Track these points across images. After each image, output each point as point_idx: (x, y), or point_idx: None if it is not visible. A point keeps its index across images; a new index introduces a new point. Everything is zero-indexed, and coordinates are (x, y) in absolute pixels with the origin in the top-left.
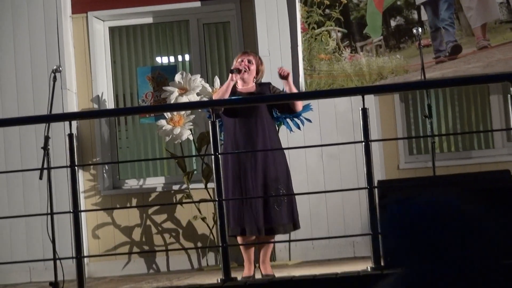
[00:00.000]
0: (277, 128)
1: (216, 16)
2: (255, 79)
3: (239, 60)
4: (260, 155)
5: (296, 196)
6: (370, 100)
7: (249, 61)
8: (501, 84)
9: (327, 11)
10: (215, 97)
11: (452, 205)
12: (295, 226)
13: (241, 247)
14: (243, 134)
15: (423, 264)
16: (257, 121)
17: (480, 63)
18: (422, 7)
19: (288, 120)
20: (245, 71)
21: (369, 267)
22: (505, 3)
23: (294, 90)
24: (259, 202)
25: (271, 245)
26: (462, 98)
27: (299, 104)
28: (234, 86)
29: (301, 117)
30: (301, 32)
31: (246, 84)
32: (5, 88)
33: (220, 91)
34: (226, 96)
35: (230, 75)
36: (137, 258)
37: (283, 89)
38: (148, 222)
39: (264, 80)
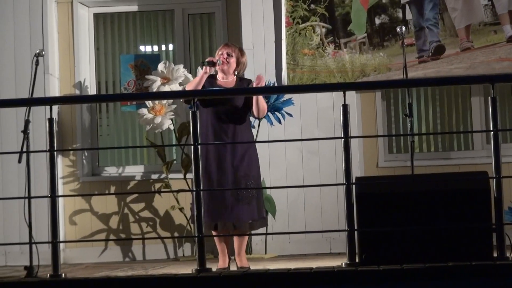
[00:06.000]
0: (251, 123)
1: (201, 7)
2: (236, 72)
3: (220, 53)
4: (230, 149)
5: (274, 190)
6: (352, 97)
7: (228, 54)
8: (482, 86)
9: (312, 6)
10: (187, 88)
11: None
12: (263, 223)
13: (215, 239)
14: (213, 126)
15: None
16: (228, 114)
17: (463, 64)
18: (407, 6)
19: (269, 113)
20: (222, 63)
21: (344, 263)
22: (490, 5)
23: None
24: (228, 196)
25: (246, 237)
26: (444, 98)
27: (260, 112)
28: (215, 78)
29: (282, 111)
30: (286, 27)
31: (226, 76)
32: None
33: (193, 82)
34: (199, 88)
35: (203, 67)
36: (113, 245)
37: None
38: (126, 210)
39: (246, 72)
